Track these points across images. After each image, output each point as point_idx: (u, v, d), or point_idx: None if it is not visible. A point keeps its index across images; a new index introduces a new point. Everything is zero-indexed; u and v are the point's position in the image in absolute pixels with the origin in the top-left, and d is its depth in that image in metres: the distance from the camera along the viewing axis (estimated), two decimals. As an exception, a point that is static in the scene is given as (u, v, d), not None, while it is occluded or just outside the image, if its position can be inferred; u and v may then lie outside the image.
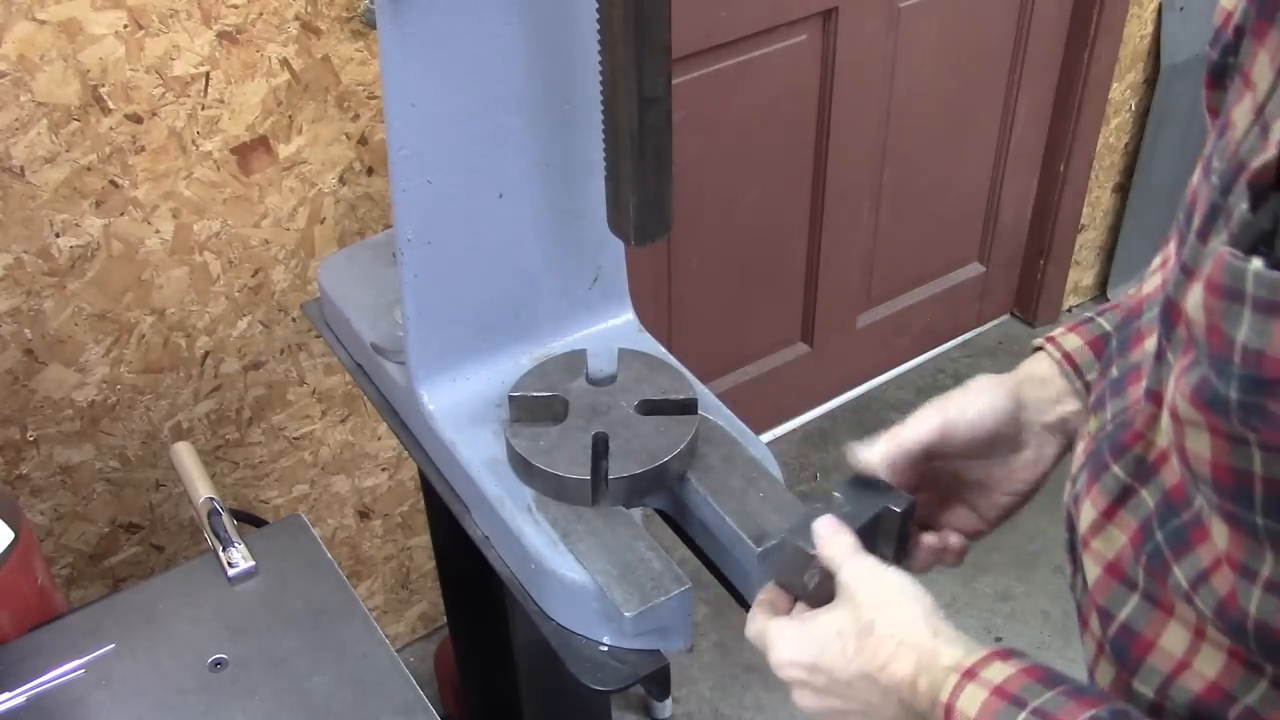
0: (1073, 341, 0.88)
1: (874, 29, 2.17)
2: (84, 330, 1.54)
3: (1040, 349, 0.90)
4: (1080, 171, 2.65)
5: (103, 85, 1.41)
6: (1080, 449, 0.74)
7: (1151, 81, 2.62)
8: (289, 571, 1.27)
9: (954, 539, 0.93)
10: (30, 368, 1.53)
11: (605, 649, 0.99)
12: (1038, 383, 0.87)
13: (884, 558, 0.81)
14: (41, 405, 1.56)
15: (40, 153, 1.41)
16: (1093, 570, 0.70)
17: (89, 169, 1.45)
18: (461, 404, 1.12)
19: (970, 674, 0.69)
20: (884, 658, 0.73)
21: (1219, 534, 0.58)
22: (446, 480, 1.15)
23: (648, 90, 0.84)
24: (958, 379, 0.97)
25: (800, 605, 0.83)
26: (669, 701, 2.11)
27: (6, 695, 1.14)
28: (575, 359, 1.11)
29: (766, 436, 2.55)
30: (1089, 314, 0.90)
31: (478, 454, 1.08)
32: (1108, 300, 2.92)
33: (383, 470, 1.96)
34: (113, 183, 1.47)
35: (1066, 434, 0.88)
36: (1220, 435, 0.54)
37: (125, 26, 1.39)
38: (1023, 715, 0.66)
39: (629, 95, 0.84)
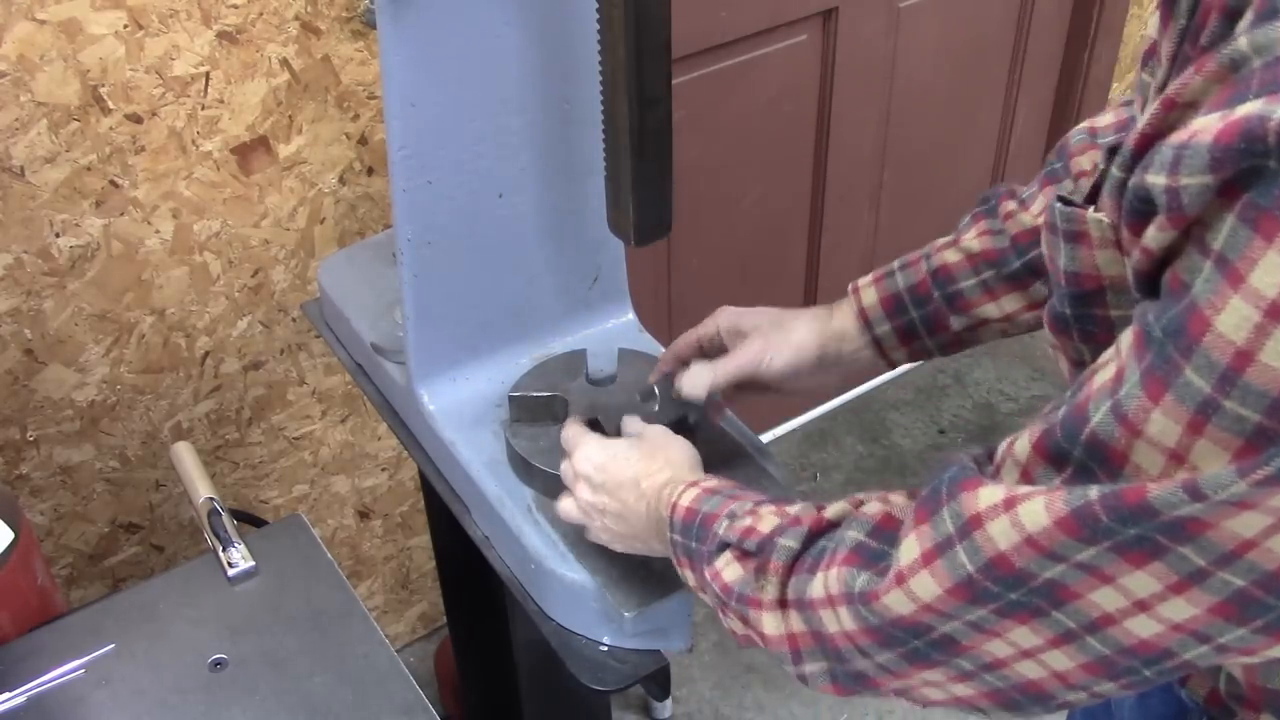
0: (869, 296, 1.03)
1: (874, 29, 2.17)
2: (84, 330, 1.54)
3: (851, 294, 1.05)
4: (1080, 171, 2.65)
5: (103, 85, 1.41)
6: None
7: (1151, 81, 2.61)
8: (289, 571, 1.27)
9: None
10: (30, 368, 1.53)
11: (605, 649, 0.99)
12: (840, 337, 1.03)
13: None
14: (41, 405, 1.56)
15: (40, 153, 1.41)
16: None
17: (89, 169, 1.45)
18: (461, 404, 1.12)
19: (693, 484, 0.87)
20: (652, 468, 0.91)
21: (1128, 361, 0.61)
22: (446, 480, 1.15)
23: (648, 90, 0.84)
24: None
25: None
26: (669, 701, 2.11)
27: (6, 695, 1.14)
28: (575, 359, 1.11)
29: (766, 436, 2.55)
30: (893, 264, 1.03)
31: (478, 454, 1.08)
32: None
33: (383, 470, 1.96)
34: (113, 183, 1.47)
35: (855, 375, 1.05)
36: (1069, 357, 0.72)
37: (125, 26, 1.39)
38: (718, 499, 0.83)
39: (629, 95, 0.84)
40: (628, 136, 0.86)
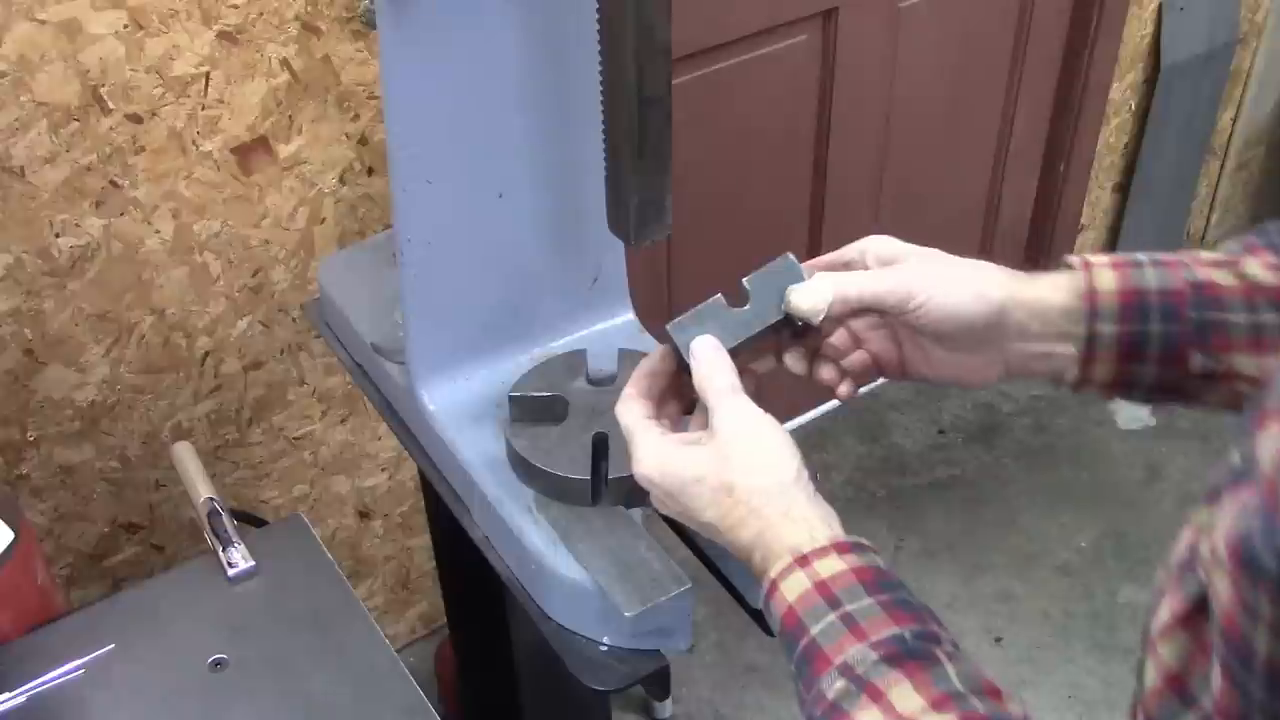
0: (1106, 279, 0.78)
1: (874, 29, 2.17)
2: (84, 330, 1.54)
3: (1069, 267, 0.80)
4: (1080, 171, 2.65)
5: (103, 85, 1.41)
6: (1185, 536, 0.64)
7: (1151, 81, 2.62)
8: (289, 571, 1.27)
9: (854, 366, 0.87)
10: (30, 368, 1.53)
11: (605, 649, 0.99)
12: (1037, 310, 0.79)
13: (790, 358, 0.84)
14: (41, 405, 1.56)
15: (40, 153, 1.41)
16: (1151, 676, 0.64)
17: (89, 169, 1.45)
18: (461, 404, 1.12)
19: (804, 561, 0.71)
20: (733, 520, 0.75)
21: (1215, 681, 0.54)
22: (446, 480, 1.15)
23: (648, 90, 0.84)
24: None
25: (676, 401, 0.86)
26: (669, 701, 2.11)
27: (6, 695, 1.13)
28: (575, 359, 1.11)
29: (766, 436, 2.54)
30: (1140, 256, 0.80)
31: (478, 454, 1.08)
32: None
33: (383, 470, 1.96)
34: (113, 183, 1.47)
35: (1029, 370, 0.82)
36: (1238, 592, 0.50)
37: (125, 26, 1.39)
38: (831, 617, 0.68)
39: (629, 95, 0.84)
40: (628, 136, 0.86)
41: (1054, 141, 2.62)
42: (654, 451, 0.80)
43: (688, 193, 2.02)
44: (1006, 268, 0.81)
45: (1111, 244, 2.87)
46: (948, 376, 0.84)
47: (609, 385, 1.09)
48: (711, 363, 0.80)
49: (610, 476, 1.00)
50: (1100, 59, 2.48)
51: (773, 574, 0.72)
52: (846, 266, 0.85)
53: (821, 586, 0.69)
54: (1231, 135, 2.93)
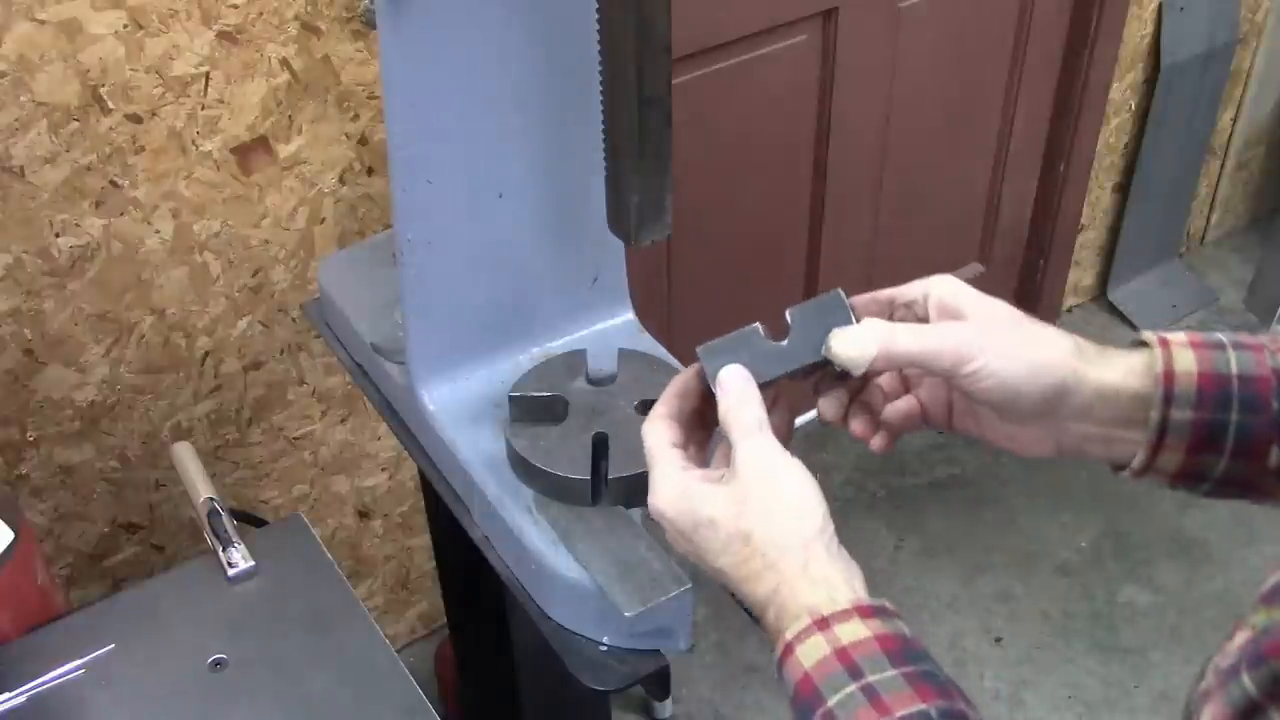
0: (1185, 360, 0.71)
1: (874, 29, 2.17)
2: (84, 330, 1.54)
3: (1144, 344, 0.74)
4: (1080, 171, 2.65)
5: (103, 85, 1.41)
6: (1237, 639, 0.60)
7: (1151, 81, 2.62)
8: (289, 571, 1.27)
9: (896, 415, 0.82)
10: (30, 368, 1.53)
11: (605, 649, 0.99)
12: (1105, 398, 0.73)
13: (824, 402, 0.80)
14: (41, 405, 1.56)
15: (40, 153, 1.41)
16: None
17: (89, 169, 1.45)
18: (461, 404, 1.12)
19: (823, 624, 0.66)
20: (748, 571, 0.70)
21: None
22: (446, 480, 1.15)
23: (648, 90, 0.84)
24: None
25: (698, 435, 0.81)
26: (669, 701, 2.11)
27: (6, 695, 1.13)
28: (575, 359, 1.11)
29: (766, 436, 2.54)
30: (1221, 337, 0.73)
31: (478, 454, 1.08)
32: (1106, 299, 2.92)
33: (383, 470, 1.96)
34: (113, 183, 1.47)
35: (1083, 451, 0.76)
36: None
37: (125, 26, 1.39)
38: (852, 688, 0.63)
39: (629, 95, 0.84)
40: (628, 136, 0.86)
41: (1054, 141, 2.62)
42: (672, 485, 0.75)
43: (688, 193, 2.02)
44: (1076, 337, 0.75)
45: (1111, 244, 2.87)
46: (996, 440, 0.79)
47: (609, 385, 1.09)
48: (740, 395, 0.75)
49: (610, 476, 1.00)
50: (1100, 59, 2.48)
51: (788, 636, 0.67)
52: (905, 308, 0.80)
53: (842, 654, 0.64)
54: (1231, 135, 2.93)
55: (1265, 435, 0.71)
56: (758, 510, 0.71)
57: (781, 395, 0.81)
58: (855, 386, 0.82)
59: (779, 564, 0.69)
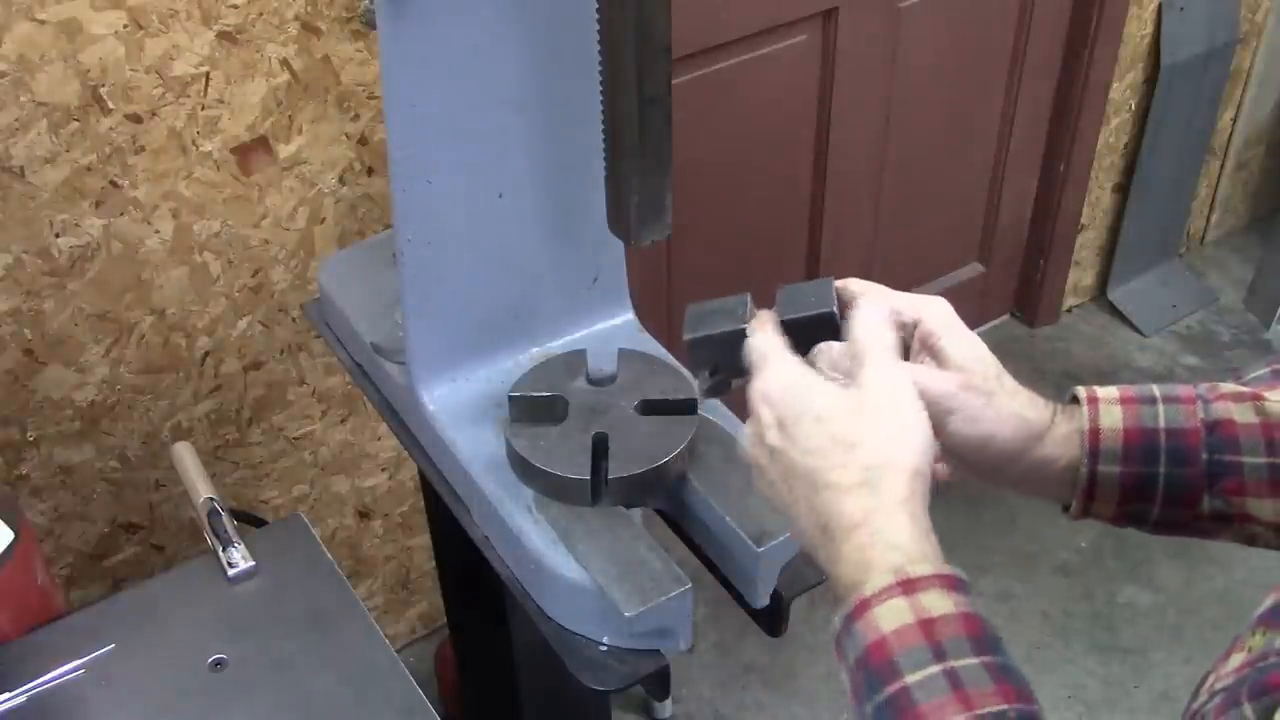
0: (1112, 416, 0.74)
1: (874, 29, 2.17)
2: (84, 330, 1.54)
3: (1075, 400, 0.76)
4: (1080, 171, 2.65)
5: (103, 85, 1.41)
6: (1234, 660, 0.60)
7: (1151, 81, 2.62)
8: (289, 571, 1.27)
9: None
10: (30, 368, 1.53)
11: (605, 649, 0.99)
12: (1043, 439, 0.75)
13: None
14: (41, 405, 1.56)
15: (40, 153, 1.41)
16: None
17: (89, 169, 1.45)
18: (461, 404, 1.12)
19: (909, 586, 0.61)
20: (844, 480, 0.65)
21: None
22: (446, 480, 1.15)
23: (648, 90, 0.84)
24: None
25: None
26: (669, 701, 2.11)
27: (6, 695, 1.13)
28: (575, 359, 1.11)
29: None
30: (1156, 390, 0.75)
31: (478, 454, 1.08)
32: (1106, 299, 2.92)
33: (383, 470, 1.96)
34: (113, 183, 1.47)
35: (1032, 487, 0.78)
36: None
37: (125, 26, 1.39)
38: (935, 670, 0.60)
39: (629, 95, 0.84)
40: (628, 136, 0.86)
41: (1054, 141, 2.62)
42: (786, 372, 0.71)
43: (688, 193, 2.02)
44: (1035, 402, 0.76)
45: (1111, 244, 2.87)
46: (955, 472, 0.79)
47: (609, 385, 1.09)
48: (881, 324, 0.72)
49: (610, 476, 1.00)
50: (1100, 59, 2.48)
51: (866, 592, 0.62)
52: (900, 326, 0.77)
53: (926, 626, 0.61)
54: (1231, 135, 2.93)
55: (1196, 484, 0.73)
56: (872, 422, 0.67)
57: None
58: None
59: (880, 485, 0.65)
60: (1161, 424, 0.73)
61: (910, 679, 0.60)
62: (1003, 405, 0.74)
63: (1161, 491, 0.73)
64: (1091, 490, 0.75)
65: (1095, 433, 0.73)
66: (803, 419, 0.68)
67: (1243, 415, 0.72)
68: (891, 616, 0.61)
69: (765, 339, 0.75)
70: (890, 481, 0.65)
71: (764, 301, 0.83)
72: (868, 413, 0.67)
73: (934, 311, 0.76)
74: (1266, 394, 0.73)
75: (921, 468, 0.66)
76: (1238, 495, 0.72)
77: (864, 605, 0.62)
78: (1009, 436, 0.74)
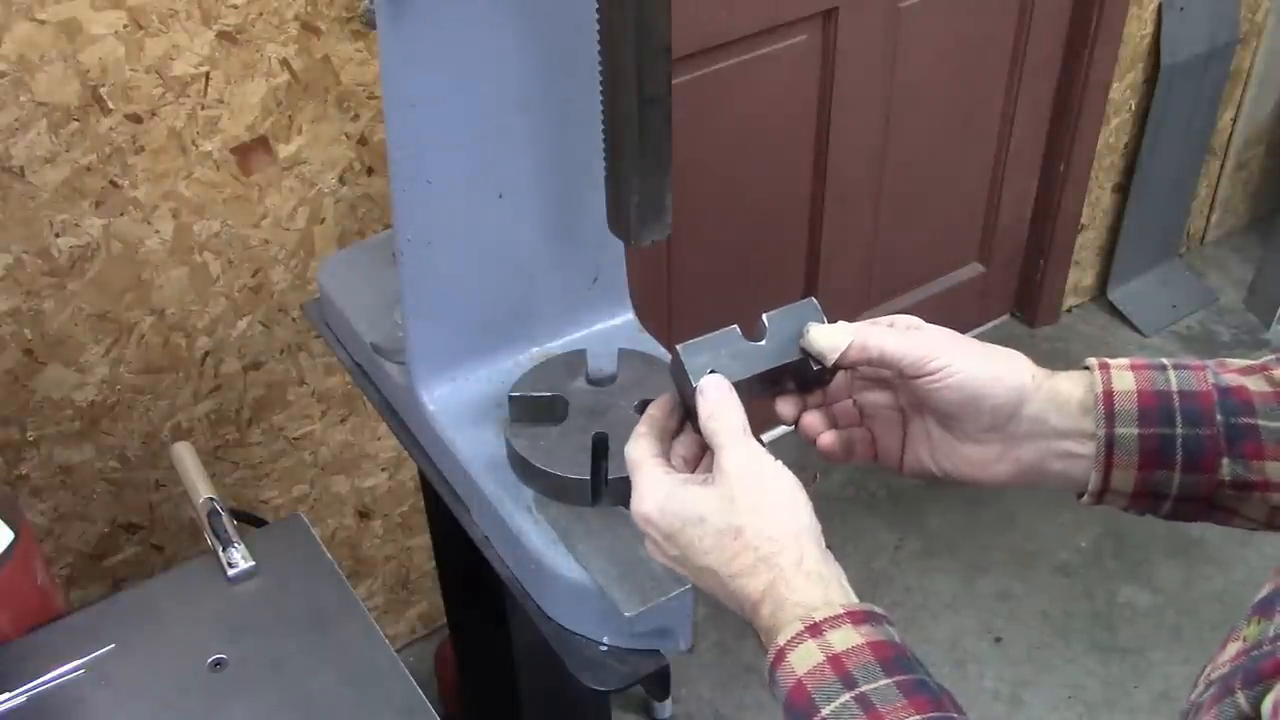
0: (1124, 381, 0.74)
1: (874, 29, 2.17)
2: (84, 330, 1.54)
3: (1086, 369, 0.77)
4: (1080, 171, 2.65)
5: (103, 85, 1.41)
6: (1230, 649, 0.61)
7: (1151, 81, 2.62)
8: (289, 571, 1.27)
9: (857, 445, 0.84)
10: (30, 368, 1.53)
11: (605, 649, 0.99)
12: (1056, 405, 0.76)
13: (782, 402, 0.82)
14: (41, 405, 1.56)
15: (40, 153, 1.41)
16: None
17: (89, 169, 1.45)
18: (461, 404, 1.12)
19: (815, 630, 0.65)
20: (739, 567, 0.70)
21: None
22: (446, 480, 1.15)
23: (648, 90, 0.84)
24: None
25: (685, 439, 0.81)
26: (669, 701, 2.11)
27: (6, 695, 1.13)
28: (575, 359, 1.11)
29: (767, 436, 2.54)
30: (1163, 360, 0.76)
31: (478, 454, 1.08)
32: (1106, 299, 2.92)
33: (383, 470, 1.96)
34: (113, 183, 1.47)
35: (1044, 473, 0.78)
36: None
37: (125, 26, 1.39)
38: (846, 698, 0.63)
39: (629, 95, 0.84)
40: (628, 136, 0.86)
41: (1054, 141, 2.62)
42: (658, 488, 0.74)
43: (688, 193, 2.02)
44: (1031, 362, 0.78)
45: (1111, 244, 2.88)
46: (952, 469, 0.80)
47: (609, 385, 1.09)
48: (721, 401, 0.76)
49: (610, 476, 1.00)
50: (1100, 59, 2.48)
51: (780, 641, 0.66)
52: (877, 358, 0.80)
53: (835, 661, 0.64)
54: (1231, 135, 2.93)
55: (1214, 448, 0.73)
56: (748, 505, 0.71)
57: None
58: (815, 402, 0.84)
59: (773, 558, 0.69)
60: (1174, 386, 0.74)
61: (826, 710, 0.63)
62: (998, 349, 0.77)
63: (1180, 455, 0.73)
64: (1110, 457, 0.74)
65: (1109, 395, 0.74)
66: (686, 528, 0.73)
67: (1255, 384, 0.73)
68: (804, 659, 0.65)
69: (634, 448, 0.78)
70: (781, 554, 0.70)
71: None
72: (739, 498, 0.71)
73: (907, 317, 0.80)
74: (1273, 368, 0.74)
75: (804, 527, 0.71)
76: (1257, 459, 0.72)
77: (780, 655, 0.66)
78: (1016, 385, 0.76)
